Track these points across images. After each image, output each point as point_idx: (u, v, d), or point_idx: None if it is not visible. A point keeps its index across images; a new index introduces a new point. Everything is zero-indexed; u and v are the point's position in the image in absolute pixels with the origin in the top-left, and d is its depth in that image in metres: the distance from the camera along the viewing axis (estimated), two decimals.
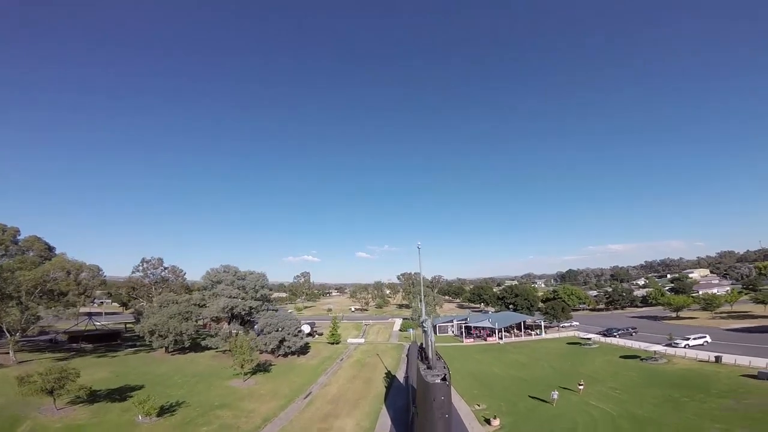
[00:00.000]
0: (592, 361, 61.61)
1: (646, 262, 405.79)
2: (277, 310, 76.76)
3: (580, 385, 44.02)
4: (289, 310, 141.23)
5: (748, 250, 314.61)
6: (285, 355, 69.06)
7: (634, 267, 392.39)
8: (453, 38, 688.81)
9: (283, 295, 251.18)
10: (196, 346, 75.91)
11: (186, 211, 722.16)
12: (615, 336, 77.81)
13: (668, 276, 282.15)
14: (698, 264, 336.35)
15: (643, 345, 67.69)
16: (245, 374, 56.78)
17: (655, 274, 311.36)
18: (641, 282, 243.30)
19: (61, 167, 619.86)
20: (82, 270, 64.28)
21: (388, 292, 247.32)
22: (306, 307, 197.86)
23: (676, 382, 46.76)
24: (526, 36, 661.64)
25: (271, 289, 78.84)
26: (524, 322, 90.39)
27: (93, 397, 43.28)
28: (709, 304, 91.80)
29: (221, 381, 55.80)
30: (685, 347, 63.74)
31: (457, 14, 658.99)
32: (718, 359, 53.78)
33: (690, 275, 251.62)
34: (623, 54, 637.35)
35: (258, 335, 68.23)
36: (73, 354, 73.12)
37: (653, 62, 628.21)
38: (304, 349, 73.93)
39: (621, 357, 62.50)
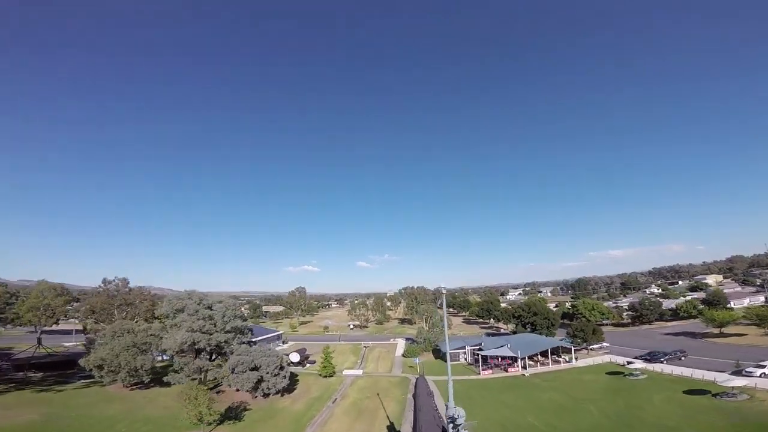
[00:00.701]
0: (649, 399, 48.73)
1: (654, 268, 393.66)
2: (253, 343, 64.02)
3: None
4: (282, 331, 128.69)
5: (755, 254, 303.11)
6: (265, 395, 56.01)
7: (641, 273, 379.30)
8: (453, 39, 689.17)
9: (280, 309, 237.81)
10: (160, 380, 62.99)
11: (187, 221, 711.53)
12: (662, 361, 64.83)
13: (680, 282, 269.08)
14: (708, 269, 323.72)
15: (705, 374, 54.50)
16: (208, 425, 44.57)
17: (666, 281, 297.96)
18: (655, 290, 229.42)
19: (61, 169, 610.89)
20: (7, 293, 51.68)
21: (389, 304, 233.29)
22: (302, 323, 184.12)
23: None
24: (526, 36, 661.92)
25: (245, 319, 66.07)
26: (550, 348, 75.91)
27: None
28: (763, 319, 78.96)
29: None
30: (761, 376, 51.15)
31: (457, 14, 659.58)
32: None
33: (704, 281, 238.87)
34: (623, 54, 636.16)
35: (232, 372, 55.41)
36: (12, 386, 61.58)
37: (653, 62, 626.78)
38: (289, 386, 60.93)
39: (684, 392, 49.62)
